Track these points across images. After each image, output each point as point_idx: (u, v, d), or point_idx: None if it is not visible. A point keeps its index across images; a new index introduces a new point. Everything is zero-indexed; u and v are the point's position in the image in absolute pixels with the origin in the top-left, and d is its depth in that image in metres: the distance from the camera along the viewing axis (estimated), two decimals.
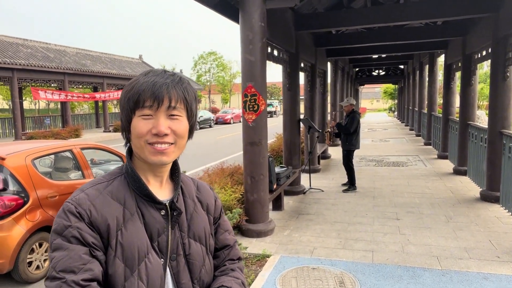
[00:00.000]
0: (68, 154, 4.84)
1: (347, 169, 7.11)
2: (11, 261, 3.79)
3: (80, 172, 4.80)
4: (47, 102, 43.16)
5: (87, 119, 27.32)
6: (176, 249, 1.06)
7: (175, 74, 1.06)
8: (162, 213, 1.05)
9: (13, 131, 18.44)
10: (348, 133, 6.95)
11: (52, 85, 20.90)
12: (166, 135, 1.00)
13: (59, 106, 26.49)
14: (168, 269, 1.05)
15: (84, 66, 22.01)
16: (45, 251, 4.18)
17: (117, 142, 15.45)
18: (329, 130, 7.74)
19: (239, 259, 1.26)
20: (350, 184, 7.09)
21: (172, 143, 1.02)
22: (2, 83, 18.89)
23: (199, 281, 1.11)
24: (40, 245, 4.12)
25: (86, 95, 22.45)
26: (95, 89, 24.66)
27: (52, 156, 4.81)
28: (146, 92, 0.99)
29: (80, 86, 23.73)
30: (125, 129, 1.05)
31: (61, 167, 4.87)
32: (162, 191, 1.10)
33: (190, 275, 1.09)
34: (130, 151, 1.10)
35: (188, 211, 1.13)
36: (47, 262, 4.19)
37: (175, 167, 1.15)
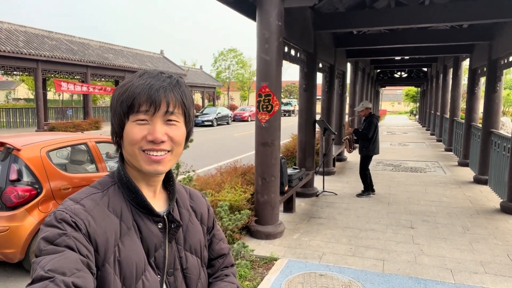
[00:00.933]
0: (83, 147, 4.89)
1: (362, 176, 6.95)
2: (22, 251, 3.85)
3: (94, 166, 4.85)
4: (70, 94, 44.18)
5: (108, 111, 27.81)
6: (173, 264, 1.01)
7: (172, 77, 0.99)
8: (159, 226, 0.98)
9: (36, 120, 18.93)
10: (365, 138, 6.78)
11: (76, 77, 21.37)
12: (162, 142, 0.93)
13: (82, 98, 27.06)
14: (164, 286, 0.99)
15: (107, 60, 22.40)
16: None
17: None
18: (347, 137, 7.54)
19: (232, 265, 1.24)
20: (364, 189, 6.93)
21: (168, 151, 0.95)
22: (27, 73, 19.40)
23: None
24: None
25: (107, 88, 22.86)
26: (117, 83, 25.07)
27: (67, 149, 4.87)
28: (142, 96, 0.91)
29: (102, 79, 24.19)
30: (117, 134, 0.97)
31: (76, 160, 4.94)
32: (156, 201, 1.03)
33: None
34: (122, 158, 1.01)
35: (184, 222, 1.07)
36: None
37: (168, 175, 1.07)
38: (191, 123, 1.02)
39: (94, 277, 0.85)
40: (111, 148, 5.96)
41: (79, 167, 4.88)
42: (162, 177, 1.04)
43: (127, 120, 0.94)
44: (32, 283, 0.77)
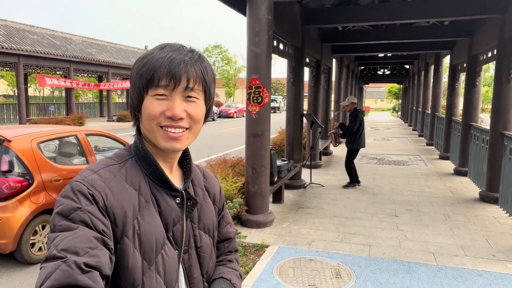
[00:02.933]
0: (73, 139, 4.90)
1: (346, 168, 7.14)
2: (14, 242, 3.86)
3: (84, 158, 4.87)
4: (51, 90, 43.31)
5: (91, 108, 27.44)
6: (187, 242, 1.00)
7: (194, 51, 0.95)
8: (177, 201, 0.97)
9: (18, 117, 18.54)
10: (351, 132, 6.97)
11: (58, 72, 20.99)
12: (181, 119, 0.91)
13: (63, 94, 26.58)
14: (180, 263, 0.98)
15: (90, 55, 22.06)
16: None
17: (121, 132, 15.53)
18: (333, 131, 7.71)
19: (236, 251, 1.24)
20: (350, 181, 7.12)
21: (187, 128, 0.93)
22: (8, 68, 18.96)
23: (207, 274, 1.06)
24: (43, 227, 4.19)
25: (91, 84, 22.54)
26: (100, 78, 24.74)
27: (57, 141, 4.88)
28: (162, 70, 0.88)
29: (85, 75, 23.84)
30: (135, 108, 0.94)
31: (66, 152, 4.94)
32: (172, 178, 1.01)
33: (200, 269, 1.03)
34: (139, 132, 0.99)
35: (199, 201, 1.06)
36: None
37: (185, 153, 1.07)
38: (211, 100, 1.00)
39: (112, 252, 0.84)
40: (100, 142, 5.97)
41: (68, 159, 4.88)
42: (179, 154, 1.03)
43: (146, 94, 0.91)
44: (45, 260, 0.77)
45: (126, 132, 15.47)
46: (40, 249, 4.15)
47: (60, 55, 19.49)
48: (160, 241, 0.92)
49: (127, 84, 21.77)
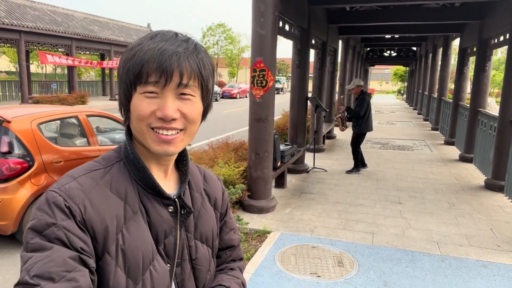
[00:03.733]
0: (74, 120, 4.83)
1: (353, 152, 7.05)
2: (16, 223, 3.85)
3: (85, 139, 4.81)
4: (54, 67, 43.02)
5: (93, 86, 27.26)
6: (181, 254, 0.91)
7: (189, 40, 0.83)
8: (169, 210, 0.88)
9: (20, 94, 18.45)
10: (358, 116, 6.83)
11: (59, 49, 20.76)
12: (174, 119, 0.80)
13: (65, 72, 26.36)
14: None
15: (92, 32, 21.75)
16: None
17: None
18: (340, 115, 7.56)
19: (241, 259, 1.13)
20: (354, 166, 7.05)
21: (181, 130, 0.83)
22: (9, 45, 18.73)
23: None
24: None
25: (93, 62, 22.33)
26: (102, 56, 24.46)
27: (58, 122, 4.81)
28: (151, 63, 0.77)
29: (87, 52, 23.56)
30: (124, 106, 0.84)
31: (67, 133, 4.88)
32: (167, 182, 0.92)
33: (195, 283, 0.94)
34: (130, 132, 0.88)
35: (196, 208, 0.96)
36: None
37: (182, 154, 0.96)
38: (209, 96, 0.88)
39: (94, 270, 0.76)
40: (102, 123, 5.89)
41: (69, 140, 4.82)
42: (174, 156, 0.93)
43: (135, 91, 0.80)
44: (18, 285, 0.70)
45: None
46: None
47: (62, 32, 19.23)
48: (148, 256, 0.83)
49: None
